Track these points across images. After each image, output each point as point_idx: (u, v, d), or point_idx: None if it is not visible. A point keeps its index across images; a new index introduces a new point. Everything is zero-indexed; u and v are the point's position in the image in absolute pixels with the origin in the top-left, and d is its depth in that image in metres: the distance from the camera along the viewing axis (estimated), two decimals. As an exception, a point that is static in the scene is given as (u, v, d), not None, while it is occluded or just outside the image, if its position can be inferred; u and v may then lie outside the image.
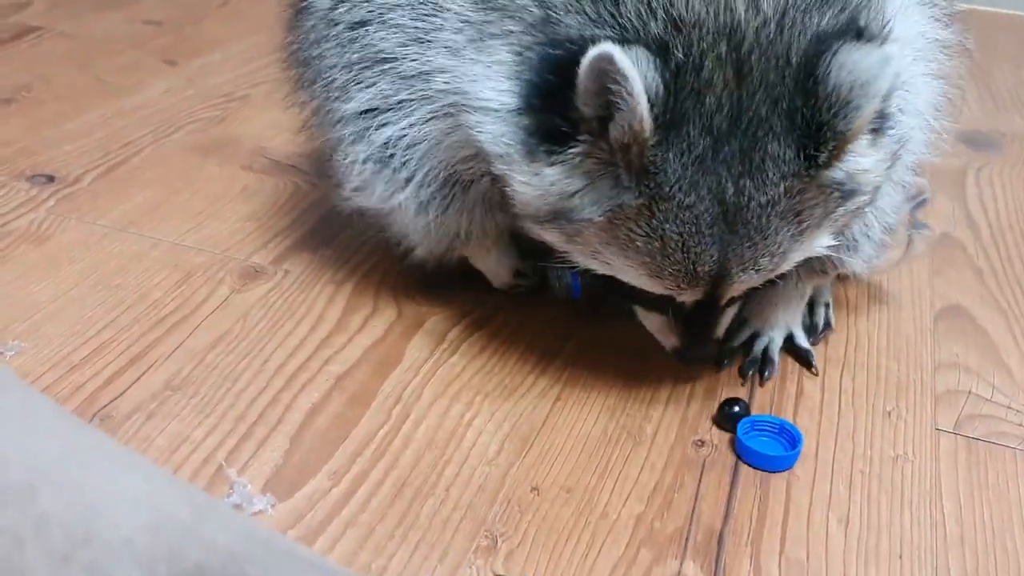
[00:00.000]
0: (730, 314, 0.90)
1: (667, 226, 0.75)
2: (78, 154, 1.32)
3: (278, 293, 1.05)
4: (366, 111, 0.90)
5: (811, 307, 1.03)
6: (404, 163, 0.90)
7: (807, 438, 0.89)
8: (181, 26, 1.86)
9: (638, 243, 0.77)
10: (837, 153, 0.74)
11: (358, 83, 0.89)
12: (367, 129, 0.90)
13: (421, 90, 0.85)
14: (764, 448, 0.86)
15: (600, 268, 0.81)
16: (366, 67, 0.88)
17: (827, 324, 1.03)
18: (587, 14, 0.73)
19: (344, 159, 0.94)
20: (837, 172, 0.75)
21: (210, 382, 0.91)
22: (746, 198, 0.74)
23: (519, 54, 0.77)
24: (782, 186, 0.74)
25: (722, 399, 0.92)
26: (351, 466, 0.83)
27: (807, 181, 0.75)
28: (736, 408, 0.89)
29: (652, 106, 0.70)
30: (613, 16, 0.72)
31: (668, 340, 0.89)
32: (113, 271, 1.07)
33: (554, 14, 0.74)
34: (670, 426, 0.90)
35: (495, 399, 0.92)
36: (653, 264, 0.78)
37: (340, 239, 1.15)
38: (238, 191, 1.26)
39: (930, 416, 0.93)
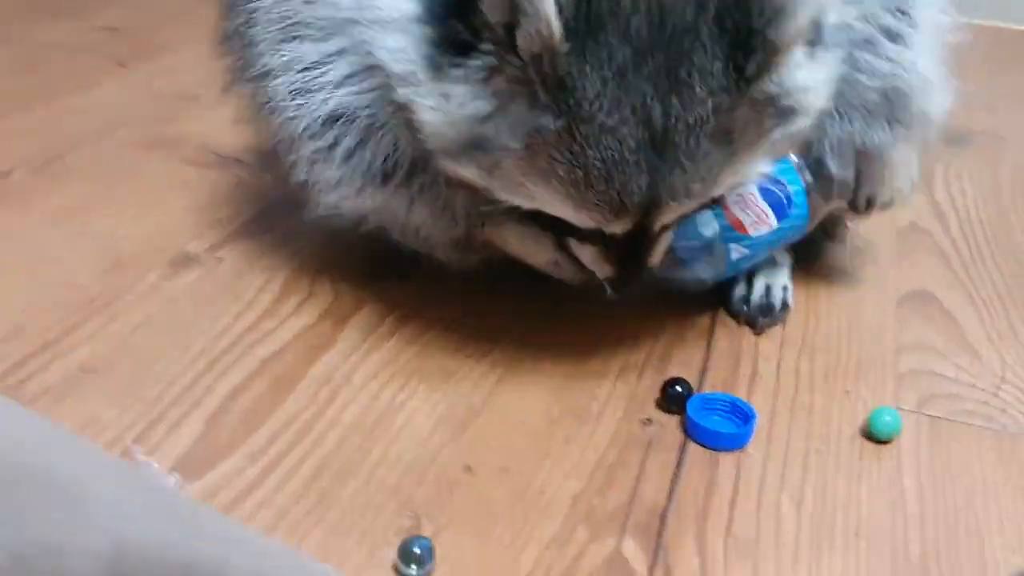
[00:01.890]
0: (667, 239, 0.83)
1: (589, 152, 0.69)
2: (15, 148, 1.28)
3: (210, 280, 1.00)
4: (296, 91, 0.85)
5: (768, 288, 0.99)
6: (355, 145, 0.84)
7: (761, 418, 0.84)
8: (138, 32, 1.82)
9: (560, 172, 0.71)
10: (767, 65, 0.68)
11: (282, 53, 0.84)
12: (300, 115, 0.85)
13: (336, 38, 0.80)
14: (715, 426, 0.81)
15: (525, 202, 0.76)
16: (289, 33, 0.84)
17: (784, 305, 0.98)
18: None
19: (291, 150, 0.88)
20: (770, 86, 0.70)
21: (127, 365, 0.86)
22: (673, 119, 0.68)
23: None
24: (710, 103, 0.68)
25: (671, 377, 0.86)
26: (269, 447, 0.77)
27: (737, 97, 0.69)
28: (679, 388, 0.84)
29: (561, 8, 0.65)
30: None
31: (602, 271, 0.83)
32: (38, 259, 1.02)
33: None
34: (617, 405, 0.85)
35: (432, 381, 0.86)
36: (577, 195, 0.72)
37: (280, 228, 1.11)
38: (179, 184, 1.22)
39: (891, 396, 0.88)
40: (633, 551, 0.70)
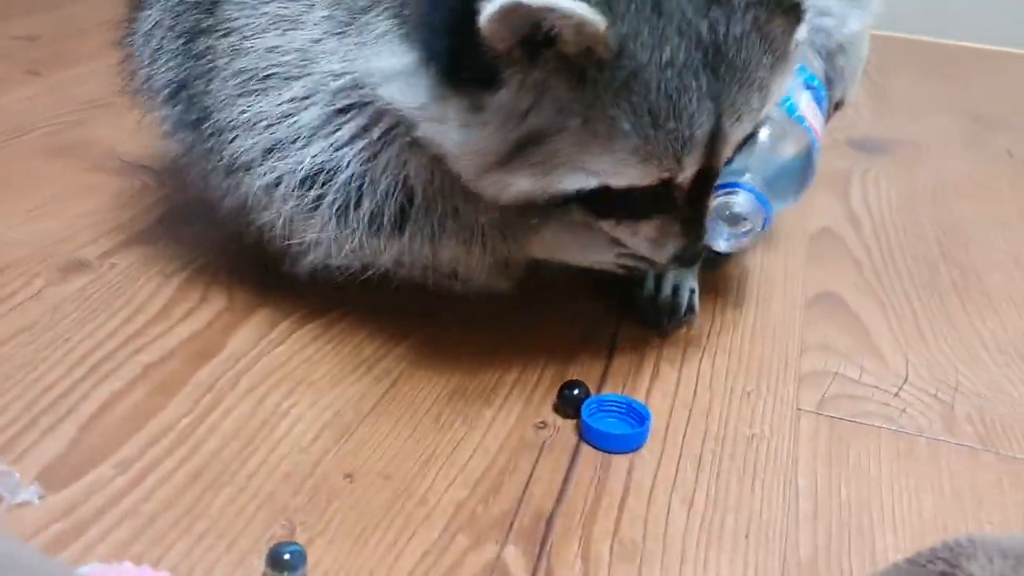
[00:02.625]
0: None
1: (652, 96, 0.69)
2: (-92, 155, 1.23)
3: (98, 286, 0.97)
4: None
5: (674, 290, 0.97)
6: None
7: (658, 419, 0.82)
8: (56, 41, 1.78)
9: (625, 127, 0.70)
10: None
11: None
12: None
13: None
14: (609, 428, 0.79)
15: (588, 182, 0.73)
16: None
17: (690, 308, 0.97)
18: None
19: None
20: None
21: (0, 372, 0.82)
22: (722, 33, 0.69)
23: (397, 16, 0.73)
24: (751, 13, 0.70)
25: (567, 380, 0.84)
26: (142, 455, 0.74)
27: (772, 9, 0.72)
28: (575, 391, 0.82)
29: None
30: None
31: (666, 249, 0.80)
32: (-83, 265, 0.98)
33: None
34: (511, 410, 0.83)
35: (320, 388, 0.84)
36: (646, 145, 0.71)
37: (178, 234, 1.07)
38: (80, 189, 1.18)
39: (792, 396, 0.87)
40: (515, 557, 0.67)
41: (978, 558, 0.62)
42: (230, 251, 1.02)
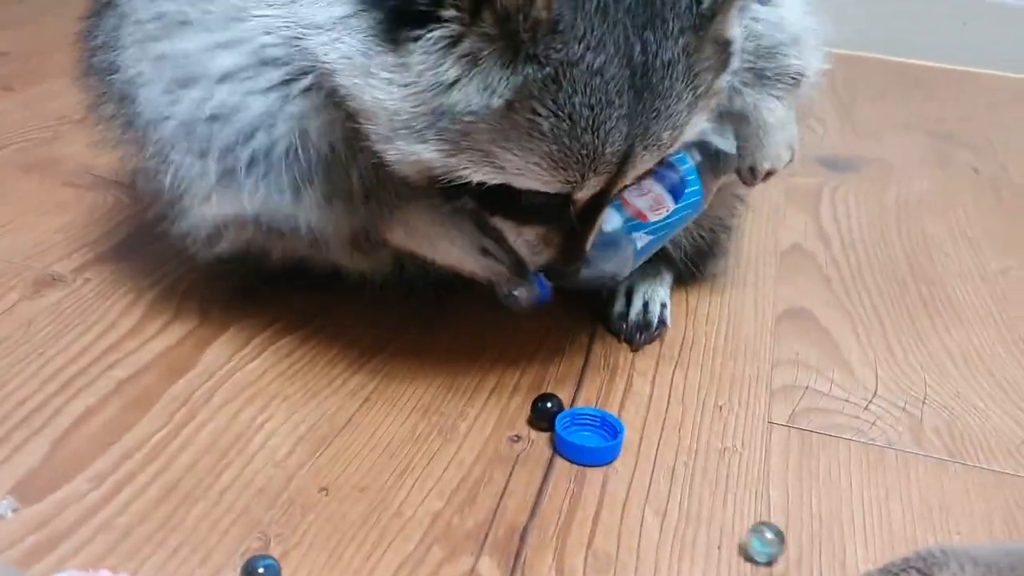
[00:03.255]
0: (603, 218, 0.81)
1: (576, 99, 0.67)
2: None
3: (72, 300, 0.96)
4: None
5: (646, 305, 0.98)
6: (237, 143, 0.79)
7: (631, 433, 0.83)
8: (28, 56, 1.77)
9: (543, 127, 0.68)
10: (725, 5, 0.70)
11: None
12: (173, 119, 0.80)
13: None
14: (582, 440, 0.80)
15: (490, 176, 0.71)
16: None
17: (662, 322, 0.98)
18: None
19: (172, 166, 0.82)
20: (723, 30, 0.72)
21: (-28, 387, 0.82)
22: (652, 55, 0.68)
23: None
24: (681, 41, 0.69)
25: (541, 393, 0.85)
26: (116, 470, 0.74)
27: (700, 36, 0.70)
28: (549, 404, 0.82)
29: None
30: None
31: (540, 256, 0.79)
32: None
33: None
34: (486, 422, 0.83)
35: (294, 402, 0.84)
36: (559, 151, 0.69)
37: (151, 249, 1.07)
38: (53, 204, 1.18)
39: (764, 410, 0.88)
40: (490, 569, 0.68)
41: (950, 566, 0.63)
42: (203, 265, 1.02)
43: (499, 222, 0.79)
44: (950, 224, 1.35)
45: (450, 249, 0.85)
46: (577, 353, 0.94)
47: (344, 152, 0.79)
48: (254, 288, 0.98)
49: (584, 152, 0.70)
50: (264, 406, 0.83)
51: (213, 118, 0.78)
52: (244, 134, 0.78)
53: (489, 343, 0.93)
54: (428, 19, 0.66)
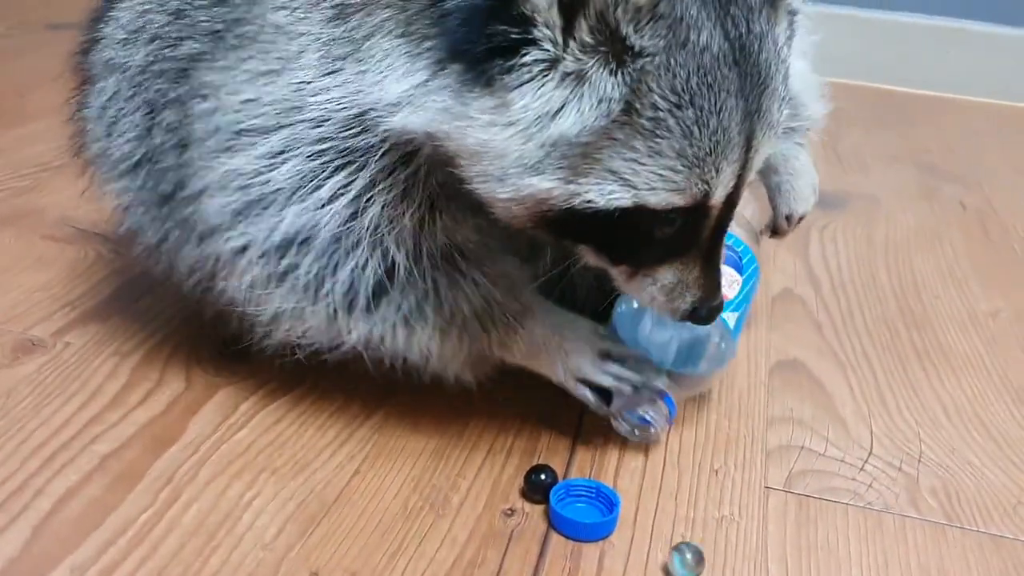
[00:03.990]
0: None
1: (694, 81, 0.65)
2: None
3: (53, 367, 0.94)
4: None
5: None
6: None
7: (627, 502, 0.81)
8: (3, 98, 1.75)
9: (668, 122, 0.66)
10: None
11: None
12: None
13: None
14: (578, 515, 0.78)
15: (618, 197, 0.67)
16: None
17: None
18: None
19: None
20: (784, 16, 0.73)
21: (-49, 468, 0.80)
22: (745, 30, 0.68)
23: (403, 34, 0.68)
24: (764, 12, 0.69)
25: (534, 464, 0.83)
26: (100, 557, 0.72)
27: (776, 7, 0.71)
28: (543, 476, 0.81)
29: None
30: None
31: (683, 301, 0.76)
32: None
33: None
34: (479, 495, 0.81)
35: (282, 476, 0.82)
36: (690, 145, 0.67)
37: (134, 308, 1.05)
38: (32, 261, 1.15)
39: (760, 473, 0.87)
40: (486, 658, 0.66)
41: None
42: (187, 325, 1.00)
43: (627, 278, 0.76)
44: (939, 262, 1.34)
45: (566, 363, 0.84)
46: (569, 419, 0.92)
47: (449, 271, 0.79)
48: (241, 348, 0.95)
49: (714, 139, 0.68)
50: (252, 481, 0.81)
51: (286, 246, 0.78)
52: (328, 264, 0.78)
53: (480, 411, 0.91)
54: (518, 48, 0.64)
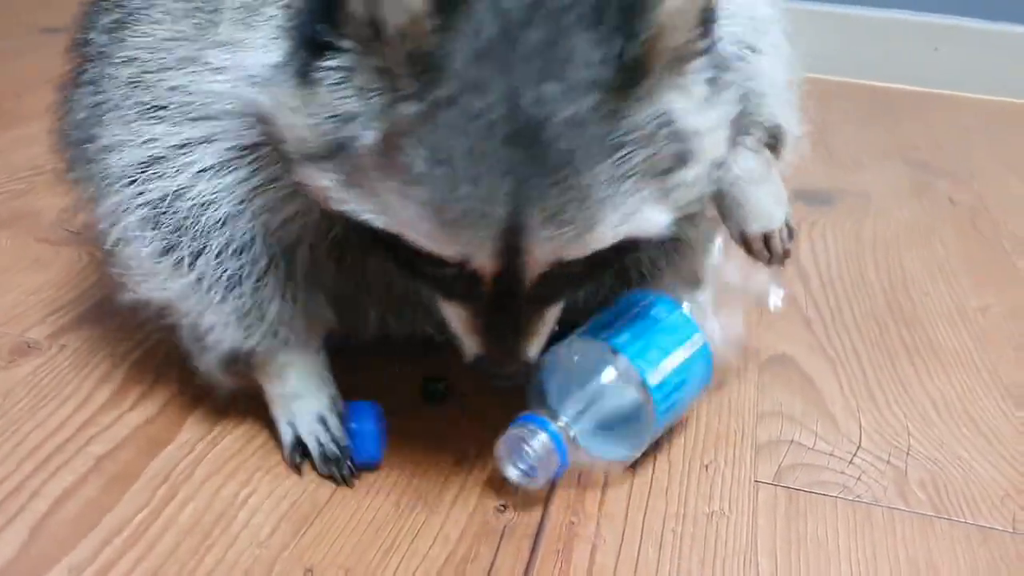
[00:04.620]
0: (549, 318, 0.74)
1: (453, 142, 0.60)
2: None
3: (48, 369, 0.95)
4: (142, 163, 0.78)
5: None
6: (191, 229, 0.78)
7: (618, 497, 0.82)
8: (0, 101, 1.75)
9: (420, 168, 0.62)
10: (651, 53, 0.61)
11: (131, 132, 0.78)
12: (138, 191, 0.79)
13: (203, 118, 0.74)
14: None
15: (381, 221, 0.66)
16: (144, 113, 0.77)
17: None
18: None
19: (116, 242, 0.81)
20: (676, 107, 0.64)
21: (-52, 470, 0.80)
22: (546, 109, 0.60)
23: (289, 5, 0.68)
24: (590, 98, 0.60)
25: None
26: (96, 557, 0.73)
27: (623, 96, 0.62)
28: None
29: None
30: None
31: (467, 347, 0.74)
32: None
33: None
34: (471, 491, 0.82)
35: (277, 476, 0.83)
36: (438, 201, 0.62)
37: (128, 311, 1.05)
38: (28, 263, 1.16)
39: (749, 468, 0.88)
40: (479, 652, 0.67)
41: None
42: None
43: (436, 297, 0.75)
44: (928, 259, 1.35)
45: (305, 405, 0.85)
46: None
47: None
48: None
49: (465, 207, 0.62)
50: (247, 480, 0.82)
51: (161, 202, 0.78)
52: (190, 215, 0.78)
53: (472, 407, 0.92)
54: (330, 48, 0.64)
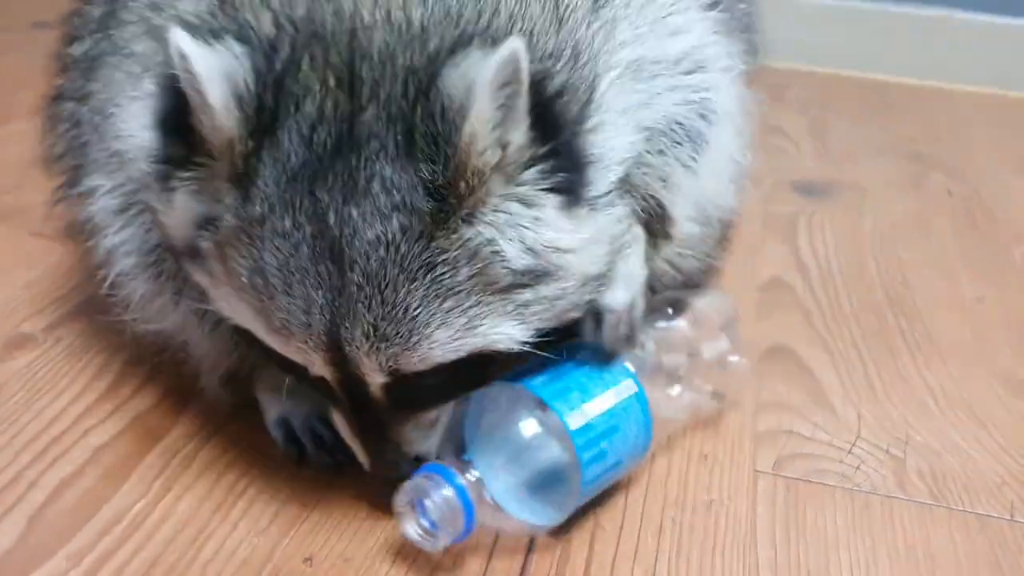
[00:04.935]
0: (430, 423, 0.73)
1: (266, 256, 0.63)
2: None
3: (44, 362, 0.95)
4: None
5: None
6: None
7: (617, 488, 0.82)
8: (-8, 97, 1.74)
9: (243, 277, 0.64)
10: (461, 174, 0.61)
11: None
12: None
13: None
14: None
15: (235, 317, 0.69)
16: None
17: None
18: (208, 13, 0.65)
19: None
20: (491, 217, 0.63)
21: (-55, 462, 0.80)
22: (351, 229, 0.61)
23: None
24: (396, 221, 0.61)
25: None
26: (95, 546, 0.73)
27: (434, 225, 0.62)
28: None
29: (242, 104, 0.61)
30: (232, 11, 0.64)
31: (356, 448, 0.74)
32: None
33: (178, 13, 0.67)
34: (469, 482, 0.82)
35: (275, 465, 0.83)
36: (261, 306, 0.65)
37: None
38: (21, 258, 1.16)
39: (748, 457, 0.88)
40: (479, 640, 0.67)
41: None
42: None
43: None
44: (925, 251, 1.35)
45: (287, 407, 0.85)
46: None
47: None
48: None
49: (285, 317, 0.64)
50: (245, 470, 0.82)
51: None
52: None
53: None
54: (186, 162, 0.65)
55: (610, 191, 0.68)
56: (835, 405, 0.97)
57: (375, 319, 0.63)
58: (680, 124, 0.75)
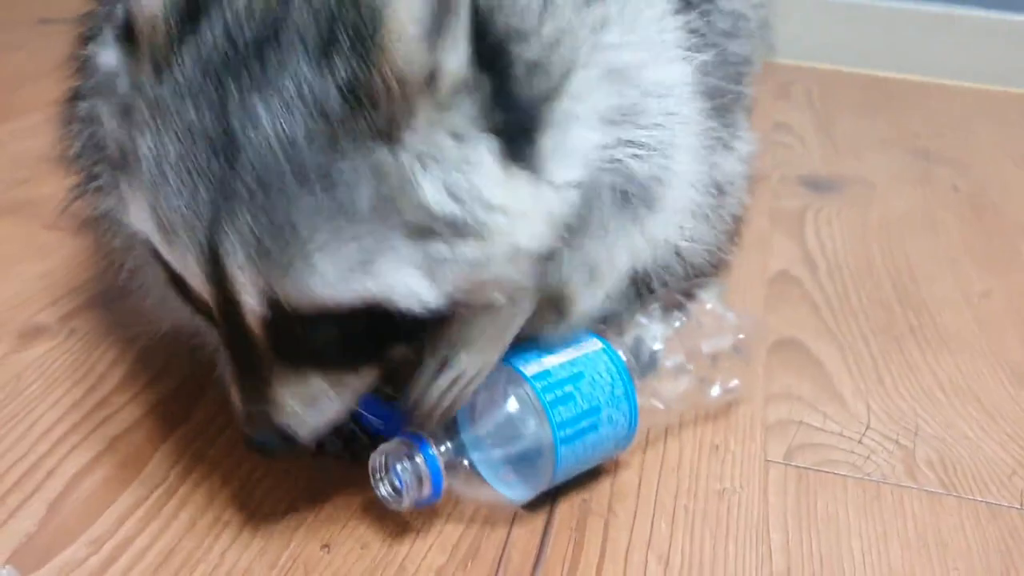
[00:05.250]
0: (315, 398, 0.68)
1: (169, 146, 0.60)
2: None
3: (60, 352, 0.95)
4: None
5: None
6: None
7: (630, 474, 0.83)
8: (-1, 93, 1.75)
9: (144, 167, 0.61)
10: (378, 82, 0.56)
11: None
12: None
13: None
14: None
15: (137, 223, 0.65)
16: None
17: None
18: None
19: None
20: (399, 150, 0.57)
21: (-36, 449, 0.81)
22: (252, 123, 0.57)
23: None
24: (301, 119, 0.56)
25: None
26: (115, 532, 0.73)
27: (349, 129, 0.56)
28: None
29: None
30: None
31: (232, 399, 0.70)
32: None
33: None
34: (484, 471, 0.83)
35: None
36: (155, 201, 0.61)
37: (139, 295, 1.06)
38: (34, 251, 1.16)
39: (759, 447, 0.89)
40: (496, 625, 0.68)
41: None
42: (192, 311, 1.01)
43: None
44: (933, 245, 1.36)
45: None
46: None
47: None
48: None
49: (171, 214, 0.60)
50: (262, 458, 0.82)
51: None
52: None
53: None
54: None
55: (566, 183, 0.64)
56: (845, 396, 0.98)
57: (257, 228, 0.58)
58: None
